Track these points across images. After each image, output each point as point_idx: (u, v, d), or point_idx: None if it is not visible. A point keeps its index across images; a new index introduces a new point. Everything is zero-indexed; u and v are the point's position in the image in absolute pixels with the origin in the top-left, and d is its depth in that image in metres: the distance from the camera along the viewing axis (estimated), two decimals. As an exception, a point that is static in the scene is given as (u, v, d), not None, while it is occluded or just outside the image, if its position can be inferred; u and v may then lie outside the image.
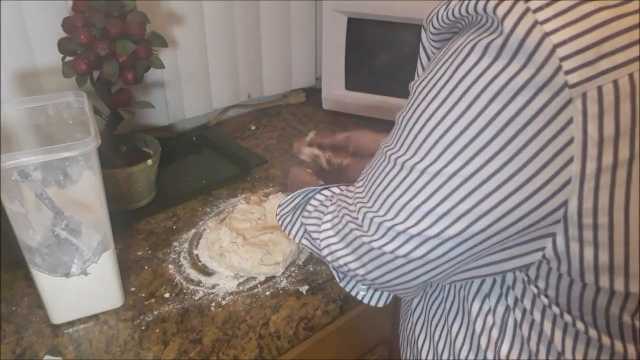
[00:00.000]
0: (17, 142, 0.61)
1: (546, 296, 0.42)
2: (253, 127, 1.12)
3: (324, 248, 0.52)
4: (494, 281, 0.46)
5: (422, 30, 0.46)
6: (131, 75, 0.73)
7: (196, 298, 0.66)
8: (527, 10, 0.33)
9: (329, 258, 0.52)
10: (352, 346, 0.79)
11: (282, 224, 0.62)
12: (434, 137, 0.39)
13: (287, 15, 1.14)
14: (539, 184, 0.36)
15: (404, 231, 0.42)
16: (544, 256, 0.40)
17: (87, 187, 0.55)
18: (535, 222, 0.38)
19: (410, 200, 0.41)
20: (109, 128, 0.78)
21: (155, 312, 0.64)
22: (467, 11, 0.37)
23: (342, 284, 0.58)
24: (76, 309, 0.62)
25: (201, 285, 0.68)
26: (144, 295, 0.66)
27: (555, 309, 0.42)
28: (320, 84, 1.15)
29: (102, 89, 0.74)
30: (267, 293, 0.67)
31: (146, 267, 0.71)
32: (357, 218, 0.47)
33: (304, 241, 0.59)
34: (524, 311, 0.44)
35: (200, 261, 0.72)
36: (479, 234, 0.39)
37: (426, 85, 0.40)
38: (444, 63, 0.39)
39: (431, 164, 0.39)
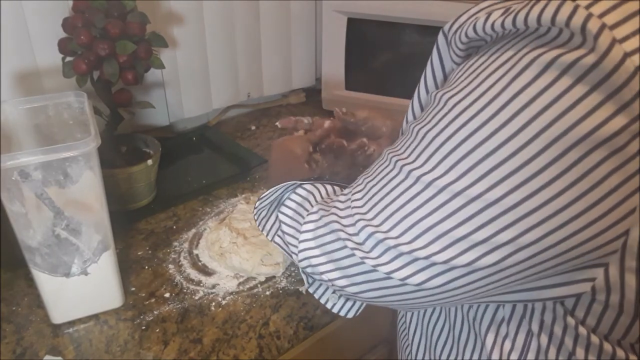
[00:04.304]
0: (18, 142, 0.61)
1: (582, 324, 0.39)
2: (253, 127, 1.12)
3: (302, 259, 0.48)
4: (514, 305, 0.42)
5: (441, 36, 0.42)
6: (131, 75, 0.73)
7: (196, 298, 0.66)
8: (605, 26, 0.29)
9: (308, 270, 0.48)
10: (352, 346, 0.79)
11: (257, 218, 0.57)
12: (474, 159, 0.34)
13: (287, 15, 1.14)
14: (599, 213, 0.32)
15: (425, 258, 0.37)
16: (593, 287, 0.37)
17: (87, 187, 0.55)
18: (587, 252, 0.34)
19: (437, 224, 0.36)
20: (109, 128, 0.78)
21: (155, 312, 0.64)
22: (525, 24, 0.32)
23: (310, 290, 0.54)
24: (76, 308, 0.62)
25: (201, 285, 0.68)
26: (144, 295, 0.66)
27: (594, 339, 0.39)
28: (320, 84, 1.15)
29: (102, 89, 0.74)
30: (267, 293, 0.67)
31: (146, 267, 0.71)
32: (354, 234, 0.41)
33: (276, 239, 0.54)
34: (551, 336, 0.41)
35: (200, 261, 0.72)
36: (517, 265, 0.35)
37: (464, 98, 0.35)
38: (488, 75, 0.34)
39: (467, 188, 0.34)
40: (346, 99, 1.11)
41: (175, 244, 0.75)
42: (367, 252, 0.40)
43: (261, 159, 0.95)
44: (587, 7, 0.29)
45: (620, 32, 0.29)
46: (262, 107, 1.21)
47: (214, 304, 0.65)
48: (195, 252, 0.74)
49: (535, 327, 0.42)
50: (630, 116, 0.30)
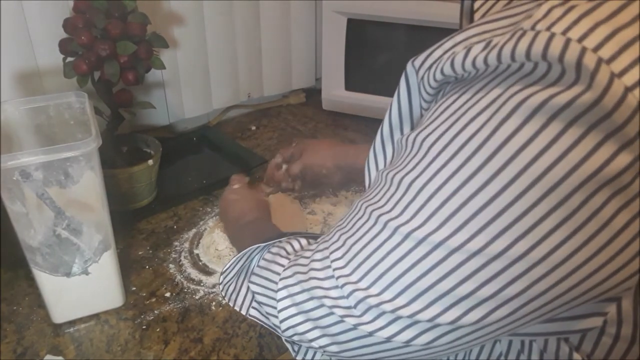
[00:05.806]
0: (19, 142, 0.62)
1: (589, 358, 0.38)
2: (253, 128, 1.12)
3: (286, 329, 0.45)
4: (510, 340, 0.41)
5: (411, 69, 0.39)
6: (132, 75, 0.73)
7: (197, 297, 0.66)
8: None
9: (295, 338, 0.45)
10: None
11: (225, 294, 0.53)
12: (469, 211, 0.32)
13: (287, 15, 1.14)
14: (609, 254, 0.31)
15: (429, 320, 0.35)
16: (604, 321, 0.35)
17: (88, 187, 0.55)
18: (599, 294, 0.33)
19: (436, 284, 0.34)
20: (110, 128, 0.78)
21: (156, 312, 0.64)
22: (511, 59, 0.30)
23: (298, 358, 0.51)
24: (77, 308, 0.62)
25: (202, 284, 0.68)
26: (144, 294, 0.66)
27: None
28: (320, 84, 1.15)
29: (103, 89, 0.74)
30: (268, 292, 0.67)
31: (147, 267, 0.71)
32: (341, 297, 0.39)
33: (252, 312, 0.51)
34: None
35: (200, 261, 0.72)
36: (527, 315, 0.34)
37: (448, 144, 0.33)
38: (472, 119, 0.32)
39: (466, 243, 0.32)
40: (346, 99, 1.12)
41: (176, 243, 0.76)
42: (359, 317, 0.38)
43: (261, 159, 0.95)
44: (580, 39, 0.27)
45: (617, 65, 0.27)
46: (262, 107, 1.21)
47: (214, 303, 0.65)
48: (195, 251, 0.74)
49: (535, 357, 0.40)
50: (634, 153, 0.28)
